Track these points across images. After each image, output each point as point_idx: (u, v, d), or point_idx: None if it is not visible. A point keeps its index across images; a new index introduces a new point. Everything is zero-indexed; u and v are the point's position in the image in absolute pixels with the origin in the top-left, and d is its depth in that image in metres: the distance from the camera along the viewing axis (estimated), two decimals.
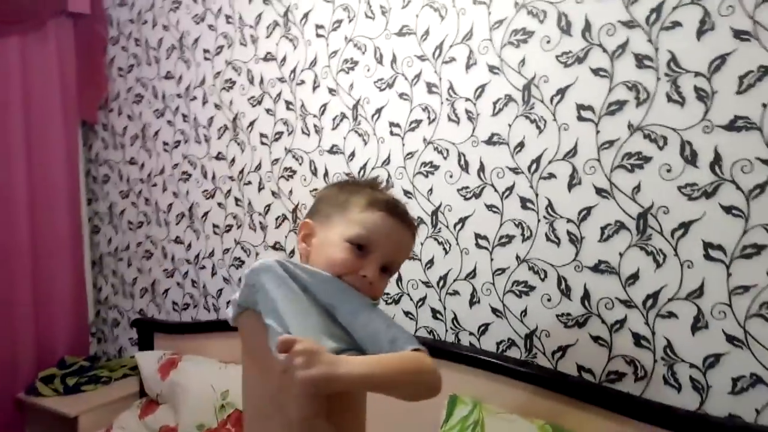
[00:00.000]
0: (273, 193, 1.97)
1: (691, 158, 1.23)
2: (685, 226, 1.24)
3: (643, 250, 1.30)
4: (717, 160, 1.20)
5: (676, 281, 1.26)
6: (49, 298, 2.38)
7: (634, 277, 1.31)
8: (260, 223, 2.01)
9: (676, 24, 1.24)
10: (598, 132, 1.34)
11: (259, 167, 2.00)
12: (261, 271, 0.87)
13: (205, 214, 2.18)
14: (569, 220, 1.39)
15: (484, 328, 1.54)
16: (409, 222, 0.97)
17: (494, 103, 1.49)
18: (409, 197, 1.64)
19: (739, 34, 1.17)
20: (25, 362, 2.29)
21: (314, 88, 1.83)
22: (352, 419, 0.93)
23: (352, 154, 1.75)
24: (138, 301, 2.48)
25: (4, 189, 2.22)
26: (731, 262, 1.19)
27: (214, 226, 2.16)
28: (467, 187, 1.54)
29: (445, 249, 1.59)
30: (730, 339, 1.20)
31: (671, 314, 1.27)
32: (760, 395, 1.18)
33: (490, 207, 1.51)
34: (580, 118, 1.36)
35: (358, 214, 0.92)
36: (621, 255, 1.33)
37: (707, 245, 1.22)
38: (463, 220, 1.56)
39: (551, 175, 1.41)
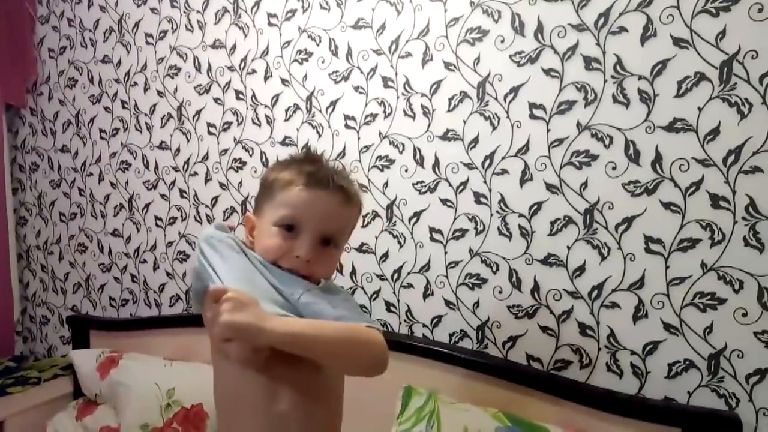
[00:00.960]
0: (221, 185, 1.91)
1: (634, 157, 1.30)
2: (628, 221, 1.32)
3: (590, 243, 1.37)
4: (658, 159, 1.28)
5: (619, 273, 1.34)
6: None
7: (581, 269, 1.38)
8: (207, 215, 1.95)
9: (623, 29, 1.30)
10: (548, 130, 1.40)
11: (206, 158, 1.94)
12: (202, 242, 0.90)
13: (147, 205, 2.09)
14: (521, 215, 1.44)
15: (437, 320, 1.57)
16: (337, 186, 0.89)
17: (449, 100, 1.51)
18: (365, 191, 1.64)
19: (678, 42, 1.25)
20: None
21: (266, 78, 1.79)
22: (324, 410, 0.91)
23: (306, 147, 1.73)
24: (70, 297, 2.35)
25: None
26: (669, 254, 1.28)
27: (157, 218, 2.07)
28: (422, 182, 1.56)
29: (399, 242, 1.61)
30: (667, 327, 1.29)
31: (614, 304, 1.35)
32: (692, 379, 1.27)
33: (444, 201, 1.54)
34: (532, 117, 1.41)
35: (280, 195, 0.88)
36: (569, 248, 1.39)
37: (648, 239, 1.30)
38: (417, 214, 1.58)
39: (504, 171, 1.46)
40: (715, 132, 1.22)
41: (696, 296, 1.26)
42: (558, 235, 1.40)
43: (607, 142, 1.33)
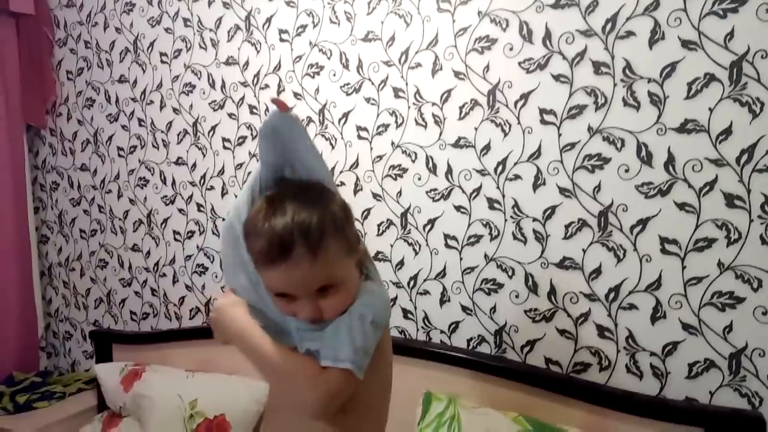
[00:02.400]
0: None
1: (646, 159, 1.31)
2: (643, 223, 1.32)
3: (605, 246, 1.37)
4: (670, 160, 1.28)
5: (635, 275, 1.34)
6: None
7: (597, 271, 1.39)
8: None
9: (630, 33, 1.32)
10: (560, 135, 1.41)
11: (222, 172, 1.97)
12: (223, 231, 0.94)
13: (165, 220, 2.13)
14: (535, 219, 1.45)
15: (454, 326, 1.59)
16: (290, 255, 0.79)
17: (460, 108, 1.53)
18: (378, 200, 1.67)
19: (686, 44, 1.26)
20: None
21: (279, 93, 1.83)
22: (353, 417, 0.90)
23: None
24: (92, 312, 2.39)
25: None
26: (685, 255, 1.28)
27: (175, 232, 2.11)
28: (435, 189, 1.58)
29: (414, 250, 1.63)
30: (686, 327, 1.29)
31: (632, 306, 1.35)
32: (714, 378, 1.27)
33: (458, 208, 1.55)
34: (543, 122, 1.43)
35: (258, 267, 0.85)
36: (584, 251, 1.40)
37: (663, 240, 1.30)
38: (432, 221, 1.59)
39: (517, 177, 1.47)
40: (727, 132, 1.22)
41: (714, 296, 1.26)
42: (573, 238, 1.41)
43: (619, 145, 1.34)
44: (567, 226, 1.42)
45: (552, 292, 1.45)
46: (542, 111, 1.43)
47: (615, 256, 1.36)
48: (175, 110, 2.07)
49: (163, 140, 2.11)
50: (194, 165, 2.04)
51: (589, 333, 1.41)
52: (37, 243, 2.51)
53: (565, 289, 1.43)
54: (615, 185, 1.35)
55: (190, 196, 2.06)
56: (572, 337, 1.43)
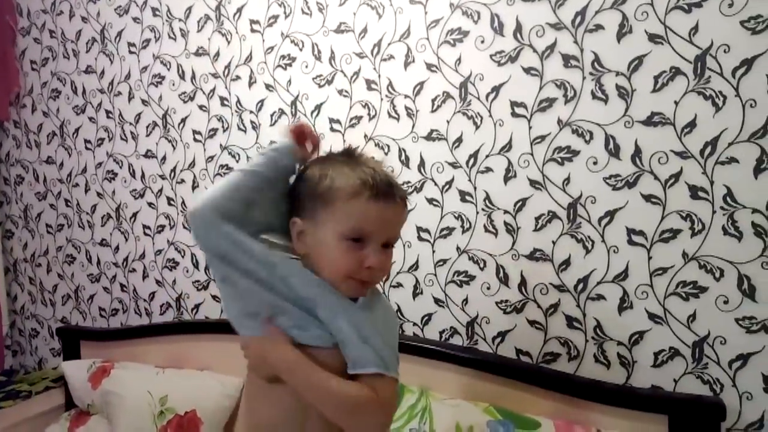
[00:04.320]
0: None
1: (614, 151, 1.33)
2: (611, 214, 1.34)
3: (574, 237, 1.39)
4: (637, 153, 1.30)
5: (603, 265, 1.36)
6: None
7: (566, 263, 1.40)
8: None
9: (599, 27, 1.33)
10: (530, 128, 1.42)
11: (192, 165, 1.94)
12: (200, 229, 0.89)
13: (134, 214, 2.09)
14: (506, 212, 1.47)
15: (427, 318, 1.59)
16: (399, 195, 0.89)
17: (433, 100, 1.53)
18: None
19: (653, 38, 1.28)
20: None
21: (250, 84, 1.81)
22: None
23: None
24: (60, 308, 2.34)
25: None
26: (651, 246, 1.31)
27: (145, 226, 2.07)
28: (408, 182, 1.58)
29: (398, 237, 1.62)
30: (652, 317, 1.32)
31: (600, 296, 1.37)
32: (678, 366, 1.30)
33: (430, 201, 1.56)
34: (514, 115, 1.44)
35: (344, 206, 0.84)
36: (554, 243, 1.41)
37: (630, 231, 1.33)
38: None
39: (488, 169, 1.48)
40: (691, 125, 1.25)
41: (679, 285, 1.29)
42: (543, 230, 1.43)
43: (587, 138, 1.36)
44: (537, 218, 1.43)
45: (522, 283, 1.46)
46: (513, 104, 1.44)
47: (584, 248, 1.38)
48: (144, 102, 2.03)
49: (131, 132, 2.07)
50: (164, 158, 2.00)
51: (559, 323, 1.42)
52: (1, 238, 2.44)
53: (536, 280, 1.44)
54: (584, 177, 1.37)
55: (160, 190, 2.02)
56: (542, 328, 1.45)
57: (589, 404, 1.34)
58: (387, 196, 0.86)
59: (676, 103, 1.26)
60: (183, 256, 1.99)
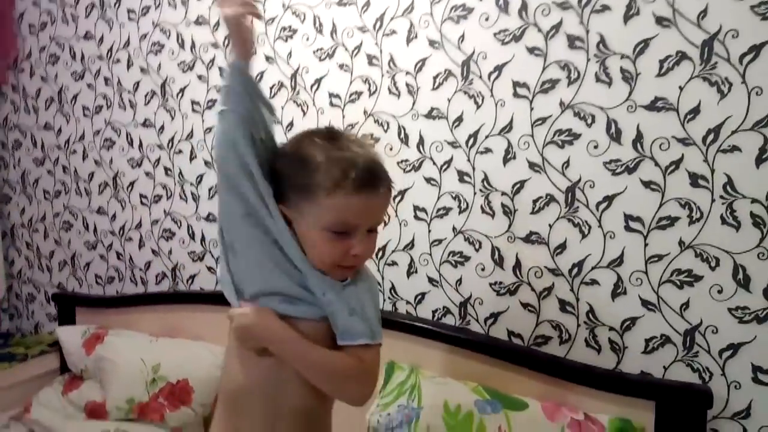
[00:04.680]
0: (206, 163, 1.90)
1: (615, 136, 1.31)
2: (609, 200, 1.33)
3: (571, 221, 1.38)
4: (639, 138, 1.29)
5: (599, 251, 1.36)
6: None
7: (562, 247, 1.40)
8: (192, 193, 1.95)
9: (606, 8, 1.30)
10: (532, 109, 1.40)
11: (190, 135, 1.93)
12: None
13: (132, 183, 2.08)
14: (503, 193, 1.45)
15: (420, 297, 1.59)
16: (381, 184, 0.87)
17: (434, 78, 1.51)
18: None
19: (660, 21, 1.25)
20: None
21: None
22: (328, 403, 1.00)
23: (291, 124, 1.73)
24: (56, 274, 2.34)
25: None
26: (648, 232, 1.30)
27: (142, 196, 2.07)
28: (407, 160, 1.57)
29: (383, 220, 1.61)
30: (645, 303, 1.31)
31: (594, 281, 1.37)
32: (668, 354, 1.30)
33: (428, 180, 1.55)
34: (516, 95, 1.42)
35: (326, 200, 0.83)
36: (550, 226, 1.41)
37: (628, 217, 1.32)
38: (402, 193, 1.58)
39: (487, 150, 1.46)
40: (695, 111, 1.23)
41: (673, 273, 1.28)
42: (540, 213, 1.42)
43: (589, 121, 1.34)
44: (535, 201, 1.42)
45: (517, 265, 1.46)
46: (515, 84, 1.41)
47: (580, 232, 1.37)
48: (143, 70, 2.00)
49: (130, 101, 2.05)
50: (162, 127, 1.98)
51: (552, 307, 1.42)
52: (0, 203, 2.44)
53: (530, 263, 1.44)
54: (584, 161, 1.35)
55: (158, 160, 2.01)
56: (535, 311, 1.45)
57: (577, 387, 1.34)
58: (370, 186, 0.84)
59: (681, 88, 1.24)
60: (179, 227, 1.99)
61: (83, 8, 2.12)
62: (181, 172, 1.96)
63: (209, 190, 1.91)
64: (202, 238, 1.94)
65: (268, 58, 1.75)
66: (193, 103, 1.91)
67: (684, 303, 1.28)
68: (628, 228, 1.32)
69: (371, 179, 0.84)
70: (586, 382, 1.34)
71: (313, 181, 0.83)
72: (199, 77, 1.88)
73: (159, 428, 1.64)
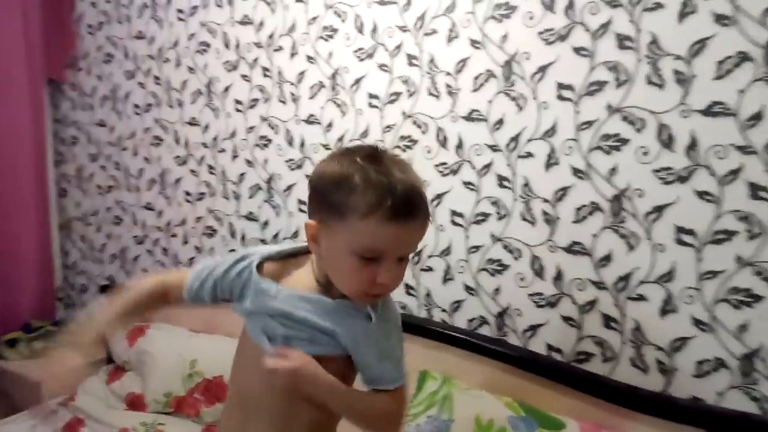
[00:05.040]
0: (247, 162, 1.92)
1: (667, 142, 1.22)
2: (659, 210, 1.24)
3: (617, 232, 1.30)
4: (693, 145, 1.19)
5: (647, 264, 1.27)
6: (14, 260, 2.32)
7: (607, 258, 1.32)
8: (234, 192, 1.97)
9: (659, 5, 1.21)
10: (577, 112, 1.33)
11: (233, 135, 1.95)
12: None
13: (177, 180, 2.13)
14: (545, 200, 1.39)
15: (456, 305, 1.55)
16: (418, 214, 0.81)
17: (475, 79, 1.46)
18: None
19: (720, 19, 1.15)
20: None
21: (292, 55, 1.77)
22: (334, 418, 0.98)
23: (330, 125, 1.71)
24: (107, 266, 2.43)
25: None
26: (702, 246, 1.20)
27: (186, 193, 2.11)
28: (445, 163, 1.52)
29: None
30: (697, 323, 1.22)
31: (641, 297, 1.28)
32: (722, 379, 1.20)
33: (467, 184, 1.50)
34: (560, 98, 1.34)
35: (357, 223, 0.78)
36: (594, 236, 1.33)
37: (679, 229, 1.22)
38: (440, 197, 1.54)
39: (529, 154, 1.40)
40: (756, 117, 1.12)
41: (730, 292, 1.18)
42: (584, 222, 1.34)
43: (638, 126, 1.25)
44: (578, 209, 1.35)
45: (558, 277, 1.39)
46: (560, 86, 1.34)
47: (627, 244, 1.29)
48: (190, 69, 2.04)
49: (177, 99, 2.09)
50: (207, 126, 2.02)
51: (595, 322, 1.35)
52: (57, 197, 2.55)
53: (572, 274, 1.37)
54: (632, 168, 1.27)
55: (202, 158, 2.04)
56: (576, 325, 1.37)
57: (620, 410, 1.27)
58: (406, 215, 0.79)
59: (741, 92, 1.13)
60: (221, 225, 2.02)
61: (136, 9, 2.17)
62: (224, 171, 1.99)
63: (249, 188, 1.92)
64: (242, 237, 1.96)
65: (309, 58, 1.74)
66: (236, 102, 1.93)
67: (742, 325, 1.18)
68: (679, 241, 1.23)
69: (408, 208, 0.79)
70: (630, 405, 1.26)
71: (348, 202, 0.78)
72: (243, 77, 1.90)
73: (195, 423, 1.67)
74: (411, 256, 0.87)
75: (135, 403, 1.75)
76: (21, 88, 2.27)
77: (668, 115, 1.21)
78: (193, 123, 2.05)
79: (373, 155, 0.82)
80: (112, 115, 2.31)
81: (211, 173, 2.03)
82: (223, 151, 1.98)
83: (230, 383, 1.03)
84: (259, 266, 0.92)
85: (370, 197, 0.77)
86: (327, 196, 0.82)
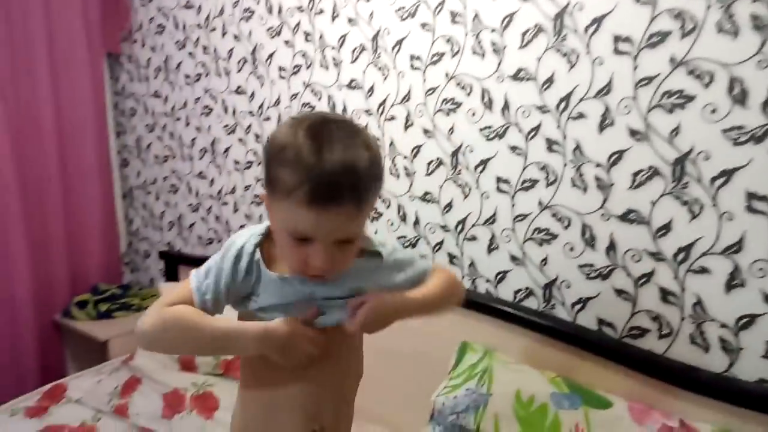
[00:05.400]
0: None
1: (740, 97, 1.08)
2: (727, 174, 1.12)
3: (678, 199, 1.19)
4: None
5: (712, 234, 1.15)
6: (82, 227, 2.44)
7: (666, 228, 1.21)
8: None
9: None
10: (635, 67, 1.20)
11: (278, 102, 1.93)
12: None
13: (227, 149, 2.15)
14: (598, 165, 1.28)
15: (501, 276, 1.48)
16: (341, 199, 0.72)
17: (522, 35, 1.35)
18: (429, 137, 1.55)
19: None
20: (61, 287, 2.38)
21: (333, 18, 1.72)
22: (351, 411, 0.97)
23: (371, 90, 1.66)
24: (166, 234, 2.52)
25: (33, 124, 2.23)
26: None
27: (235, 162, 2.13)
28: (490, 127, 1.44)
29: (464, 192, 1.51)
30: None
31: (704, 270, 1.17)
32: None
33: (513, 148, 1.41)
34: (617, 51, 1.22)
35: (283, 202, 0.73)
36: (653, 204, 1.22)
37: (751, 195, 1.10)
38: (484, 162, 1.46)
39: (581, 115, 1.29)
40: None
41: None
42: (641, 188, 1.23)
43: (706, 81, 1.12)
44: (635, 174, 1.23)
45: (611, 247, 1.29)
46: (616, 38, 1.22)
47: (689, 212, 1.17)
48: (235, 37, 2.03)
49: (224, 68, 2.09)
50: (252, 94, 2.01)
51: (651, 296, 1.25)
52: (119, 166, 2.65)
53: (627, 245, 1.27)
54: (697, 128, 1.14)
55: (249, 126, 2.04)
56: (630, 299, 1.28)
57: (675, 390, 1.18)
58: (326, 201, 0.71)
59: None
60: None
61: None
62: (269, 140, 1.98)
63: None
64: None
65: (350, 20, 1.68)
66: (280, 69, 1.90)
67: None
68: (750, 208, 1.10)
69: (329, 193, 0.71)
70: (687, 385, 1.17)
71: (278, 177, 0.73)
72: (286, 42, 1.87)
73: None
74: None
75: (188, 364, 1.82)
76: (82, 62, 2.35)
77: (741, 67, 1.07)
78: (239, 92, 2.05)
79: (316, 126, 0.73)
80: (165, 85, 2.36)
81: (258, 142, 2.03)
82: (268, 119, 1.97)
83: (277, 400, 0.89)
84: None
85: (292, 177, 0.71)
86: (267, 166, 0.77)
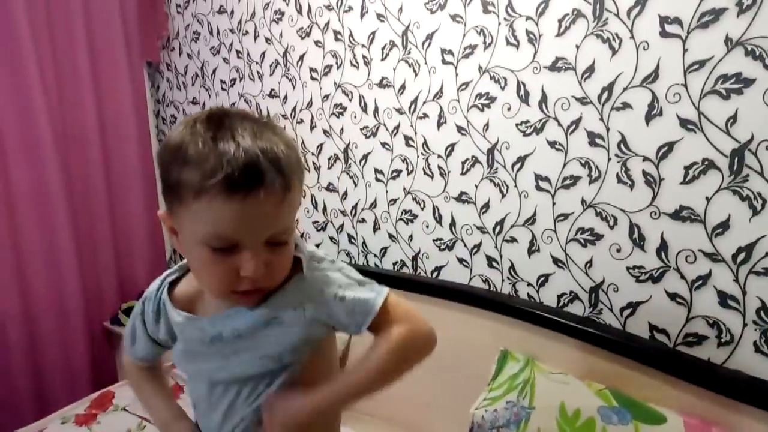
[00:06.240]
0: (324, 132, 1.87)
1: None
2: None
3: (737, 194, 1.08)
4: None
5: None
6: (128, 234, 2.49)
7: (724, 226, 1.10)
8: (313, 163, 1.94)
9: None
10: (685, 50, 1.10)
11: (310, 104, 1.90)
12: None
13: None
14: (646, 159, 1.18)
15: (543, 280, 1.40)
16: (264, 183, 0.62)
17: (560, 21, 1.26)
18: (463, 134, 1.48)
19: None
20: (109, 294, 2.44)
21: (362, 15, 1.67)
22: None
23: (402, 87, 1.60)
24: None
25: (78, 134, 2.28)
26: None
27: None
28: (527, 122, 1.36)
29: (501, 191, 1.43)
30: None
31: None
32: None
33: (552, 144, 1.32)
34: (664, 34, 1.12)
35: (194, 204, 0.62)
36: (708, 200, 1.11)
37: None
38: (522, 159, 1.38)
39: (626, 105, 1.19)
40: None
41: None
42: (694, 183, 1.13)
43: (766, 62, 1.01)
44: (687, 168, 1.13)
45: (663, 247, 1.19)
46: (663, 20, 1.12)
47: (750, 207, 1.06)
48: (267, 40, 2.01)
49: (258, 72, 2.08)
50: (285, 97, 1.99)
51: (708, 300, 1.14)
52: None
53: (680, 245, 1.16)
54: (757, 115, 1.03)
55: (283, 129, 2.02)
56: (685, 303, 1.17)
57: (737, 405, 1.07)
58: (248, 187, 0.61)
59: None
60: (303, 197, 2.00)
61: None
62: (303, 142, 1.96)
63: (328, 159, 1.88)
64: (324, 209, 1.93)
65: (379, 16, 1.63)
66: (311, 70, 1.87)
67: None
68: None
69: (250, 177, 0.61)
70: (750, 399, 1.06)
71: (181, 179, 0.62)
72: (316, 43, 1.83)
73: None
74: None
75: None
76: (122, 72, 2.39)
77: None
78: (272, 95, 2.04)
79: (213, 117, 0.65)
80: (202, 92, 2.37)
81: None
82: (301, 122, 1.95)
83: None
84: (171, 293, 0.79)
85: (200, 170, 0.61)
86: (165, 175, 0.66)
